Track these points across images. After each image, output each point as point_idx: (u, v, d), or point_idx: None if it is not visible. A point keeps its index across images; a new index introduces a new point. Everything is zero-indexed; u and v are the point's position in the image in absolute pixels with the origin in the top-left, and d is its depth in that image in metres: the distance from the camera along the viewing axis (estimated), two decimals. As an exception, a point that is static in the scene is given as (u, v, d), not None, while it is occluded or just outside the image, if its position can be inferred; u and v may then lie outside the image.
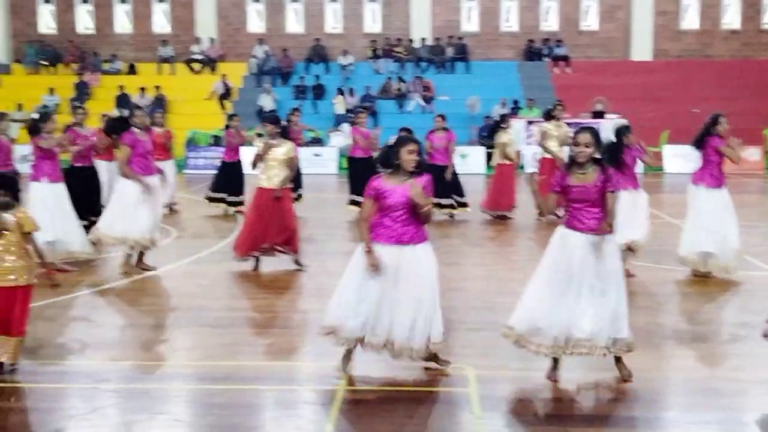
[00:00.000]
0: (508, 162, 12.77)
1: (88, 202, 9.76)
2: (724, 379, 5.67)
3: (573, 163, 5.43)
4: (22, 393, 5.44)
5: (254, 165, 8.82)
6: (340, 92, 24.82)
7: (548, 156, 12.31)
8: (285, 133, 8.92)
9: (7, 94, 25.77)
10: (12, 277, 5.47)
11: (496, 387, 5.46)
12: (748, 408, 5.25)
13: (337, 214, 13.06)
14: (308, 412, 5.12)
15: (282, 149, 8.69)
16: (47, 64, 27.70)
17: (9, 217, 5.48)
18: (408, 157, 5.37)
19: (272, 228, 8.75)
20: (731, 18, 28.11)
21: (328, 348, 5.70)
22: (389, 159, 5.44)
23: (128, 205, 8.63)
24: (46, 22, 29.22)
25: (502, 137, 12.86)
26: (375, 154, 13.96)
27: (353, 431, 4.92)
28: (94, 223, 9.24)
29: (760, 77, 25.50)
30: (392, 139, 5.61)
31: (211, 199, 13.42)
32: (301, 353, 6.43)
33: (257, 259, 9.02)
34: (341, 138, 22.80)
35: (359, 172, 12.09)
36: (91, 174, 10.25)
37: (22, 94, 25.23)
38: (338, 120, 23.89)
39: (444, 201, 12.32)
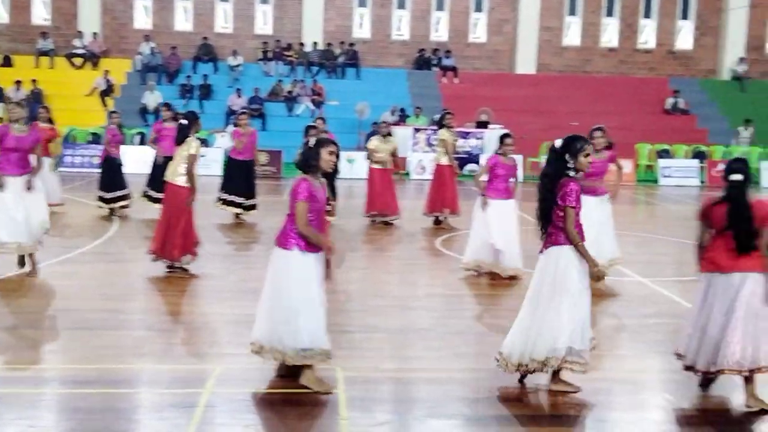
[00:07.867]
0: (377, 167, 13.05)
1: None
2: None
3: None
4: None
5: None
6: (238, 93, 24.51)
7: (443, 163, 12.54)
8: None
9: None
10: None
11: (367, 388, 5.51)
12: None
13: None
14: (173, 415, 5.00)
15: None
16: None
17: None
18: (329, 157, 5.38)
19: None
20: (610, 36, 29.51)
21: (199, 350, 5.58)
22: (309, 160, 5.40)
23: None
24: None
25: (372, 143, 13.27)
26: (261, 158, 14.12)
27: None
28: None
29: (634, 94, 26.87)
30: (312, 141, 5.53)
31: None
32: (170, 356, 6.24)
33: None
34: (227, 139, 22.43)
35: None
36: None
37: None
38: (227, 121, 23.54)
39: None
